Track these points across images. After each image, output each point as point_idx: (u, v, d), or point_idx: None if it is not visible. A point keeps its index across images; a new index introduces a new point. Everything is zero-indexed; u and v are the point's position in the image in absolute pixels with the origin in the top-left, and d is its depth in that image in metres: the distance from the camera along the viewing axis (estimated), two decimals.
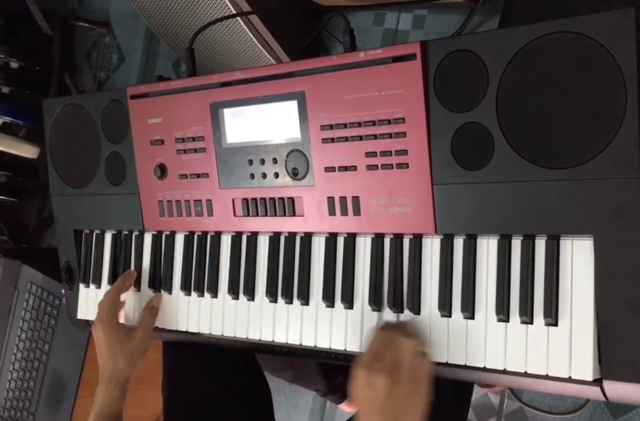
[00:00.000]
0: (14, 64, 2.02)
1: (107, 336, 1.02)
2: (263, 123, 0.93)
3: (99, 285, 1.16)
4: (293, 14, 1.48)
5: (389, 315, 0.85)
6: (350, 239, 0.89)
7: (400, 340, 0.77)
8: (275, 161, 0.93)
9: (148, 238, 1.10)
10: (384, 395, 0.74)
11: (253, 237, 0.98)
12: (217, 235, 1.02)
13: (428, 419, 0.90)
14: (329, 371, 1.43)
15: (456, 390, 0.91)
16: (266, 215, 0.95)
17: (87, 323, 1.20)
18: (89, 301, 1.18)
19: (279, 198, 0.93)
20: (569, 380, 0.73)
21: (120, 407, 1.01)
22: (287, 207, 0.92)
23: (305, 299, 0.92)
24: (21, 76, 2.06)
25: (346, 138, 0.85)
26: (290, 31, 1.46)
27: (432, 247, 0.83)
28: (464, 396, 0.94)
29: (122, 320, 1.09)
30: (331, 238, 0.90)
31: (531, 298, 0.75)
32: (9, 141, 2.06)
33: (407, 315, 0.84)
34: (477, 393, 1.41)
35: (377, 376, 0.74)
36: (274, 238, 0.96)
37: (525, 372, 0.75)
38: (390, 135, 0.82)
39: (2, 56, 1.99)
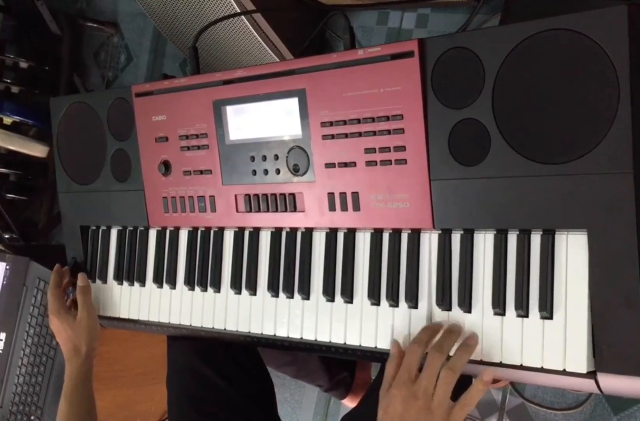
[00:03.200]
0: (23, 64, 2.04)
1: (60, 323, 1.14)
2: (265, 121, 0.94)
3: (104, 281, 1.18)
4: (297, 12, 1.50)
5: (385, 308, 0.86)
6: (350, 234, 0.90)
7: (443, 372, 0.76)
8: (276, 157, 0.94)
9: (153, 234, 1.12)
10: (414, 418, 0.74)
11: (255, 232, 0.99)
12: (220, 231, 1.03)
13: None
14: (332, 366, 1.44)
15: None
16: (268, 210, 0.96)
17: None
18: (95, 296, 1.19)
19: (281, 194, 0.94)
20: (564, 372, 0.74)
21: (89, 376, 1.13)
22: (288, 202, 0.94)
23: (306, 293, 0.93)
24: (31, 76, 2.08)
25: (346, 135, 0.87)
26: (295, 30, 1.47)
27: (430, 242, 0.84)
28: (462, 390, 0.95)
29: (124, 315, 1.14)
30: (331, 234, 0.92)
31: (527, 292, 0.76)
32: (19, 140, 2.08)
33: (402, 308, 0.85)
34: None
35: (414, 399, 0.75)
36: (276, 233, 0.97)
37: (521, 365, 0.76)
38: (388, 132, 0.83)
39: (11, 56, 2.01)
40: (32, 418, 1.48)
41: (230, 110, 0.97)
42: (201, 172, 1.02)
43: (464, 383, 0.96)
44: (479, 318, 0.80)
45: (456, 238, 0.82)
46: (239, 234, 1.01)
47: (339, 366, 1.46)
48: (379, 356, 0.88)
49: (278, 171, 0.94)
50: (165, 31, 1.64)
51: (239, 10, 1.33)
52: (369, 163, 0.85)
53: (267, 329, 0.97)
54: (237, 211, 0.99)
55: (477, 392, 0.76)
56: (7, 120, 2.06)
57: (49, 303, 1.16)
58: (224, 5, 1.36)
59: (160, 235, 1.10)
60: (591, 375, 0.72)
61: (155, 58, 2.07)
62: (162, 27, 1.62)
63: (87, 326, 1.13)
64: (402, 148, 0.83)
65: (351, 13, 1.55)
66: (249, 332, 0.99)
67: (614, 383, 0.71)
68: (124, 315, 1.15)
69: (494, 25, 1.34)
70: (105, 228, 1.18)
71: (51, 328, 1.17)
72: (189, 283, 1.06)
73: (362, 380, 1.51)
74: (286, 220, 0.95)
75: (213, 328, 1.03)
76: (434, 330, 0.80)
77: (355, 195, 0.87)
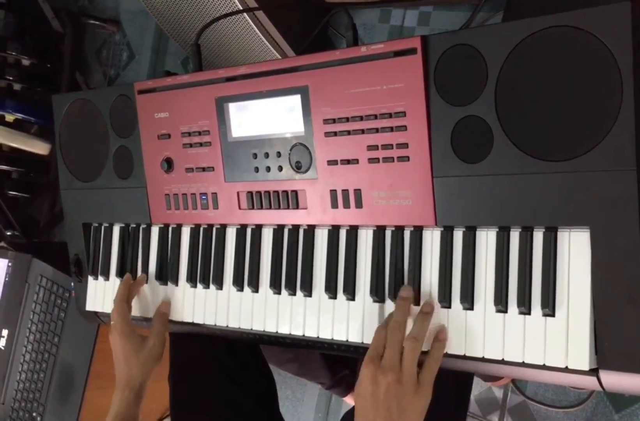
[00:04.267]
0: (25, 61, 2.04)
1: (122, 344, 1.04)
2: (267, 118, 0.94)
3: (107, 278, 1.18)
4: (299, 10, 1.49)
5: (390, 306, 0.87)
6: (353, 231, 0.90)
7: (406, 343, 0.78)
8: (279, 154, 0.94)
9: (155, 231, 1.12)
10: (386, 392, 0.76)
11: (257, 229, 0.99)
12: (223, 228, 1.03)
13: (428, 411, 0.92)
14: (333, 364, 1.44)
15: (456, 380, 0.92)
16: (270, 208, 0.96)
17: (96, 315, 1.22)
18: (97, 293, 1.20)
19: (283, 191, 0.94)
20: (566, 370, 0.74)
21: (136, 412, 1.04)
22: (290, 199, 0.94)
23: (308, 291, 0.93)
24: (32, 73, 2.08)
25: (348, 132, 0.87)
26: (297, 27, 1.47)
27: (432, 239, 0.84)
28: (464, 387, 0.95)
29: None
30: (334, 231, 0.92)
31: (529, 289, 0.76)
32: (20, 137, 2.08)
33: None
34: (481, 387, 1.42)
35: (382, 374, 0.77)
36: (278, 230, 0.97)
37: (523, 362, 0.76)
38: (391, 129, 0.83)
39: (13, 53, 2.01)
40: (34, 414, 1.49)
41: (233, 107, 0.97)
42: (203, 169, 1.02)
43: (465, 381, 0.97)
44: (481, 316, 0.80)
45: (458, 235, 0.82)
46: (241, 231, 1.01)
47: (340, 364, 1.46)
48: None
49: (280, 168, 0.94)
50: (167, 29, 1.64)
51: (241, 8, 1.33)
52: (372, 160, 0.85)
53: (269, 326, 0.97)
54: (240, 208, 0.99)
55: (437, 351, 0.79)
56: (9, 118, 2.06)
57: (113, 319, 1.06)
58: (226, 3, 1.36)
59: (163, 232, 1.10)
60: (593, 372, 0.72)
61: (157, 56, 2.07)
62: (164, 24, 1.62)
63: (153, 357, 1.04)
64: (404, 145, 0.82)
65: (353, 11, 1.55)
66: (251, 329, 0.99)
67: (616, 381, 0.71)
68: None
69: (496, 22, 1.34)
70: (107, 225, 1.18)
71: (113, 349, 1.06)
72: (191, 280, 1.06)
73: None
74: (288, 217, 0.95)
75: (215, 325, 1.03)
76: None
77: (357, 192, 0.87)
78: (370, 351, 0.80)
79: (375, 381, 0.77)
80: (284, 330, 0.96)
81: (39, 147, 2.08)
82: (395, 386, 0.76)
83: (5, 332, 1.57)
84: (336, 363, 1.45)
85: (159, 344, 1.05)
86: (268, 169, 0.95)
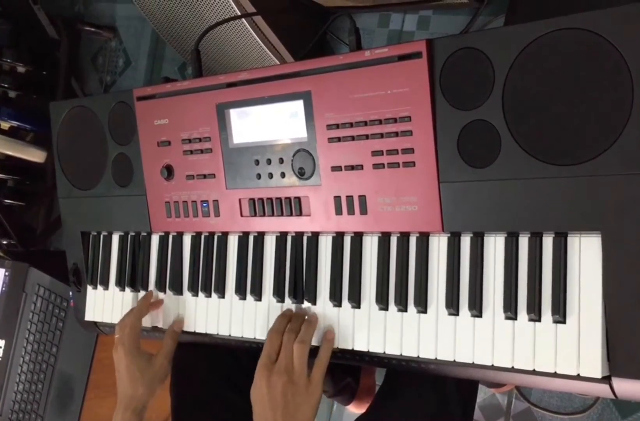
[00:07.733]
0: (20, 69, 2.02)
1: (128, 362, 1.00)
2: (269, 124, 0.93)
3: (106, 287, 1.17)
4: (298, 15, 1.48)
5: (393, 313, 0.85)
6: (357, 238, 0.89)
7: (294, 346, 0.86)
8: (281, 161, 0.93)
9: (155, 240, 1.10)
10: (281, 393, 0.84)
11: (260, 237, 0.98)
12: (224, 236, 1.02)
13: (434, 419, 0.90)
14: (336, 372, 1.43)
15: (461, 388, 0.91)
16: (273, 215, 0.95)
17: (95, 325, 1.20)
18: (96, 302, 1.18)
19: (286, 198, 0.93)
20: (578, 377, 0.72)
21: None
22: (293, 206, 0.93)
23: (312, 299, 0.92)
24: (28, 80, 2.07)
25: (352, 138, 0.86)
26: (296, 33, 1.46)
27: (439, 246, 0.83)
28: (469, 395, 0.94)
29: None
30: (338, 238, 0.90)
31: (539, 295, 0.75)
32: (16, 145, 2.06)
33: (411, 313, 0.84)
34: (485, 393, 1.41)
35: (275, 377, 0.85)
36: (281, 238, 0.96)
37: (534, 370, 0.75)
38: (396, 134, 0.82)
39: (8, 60, 1.99)
40: None
41: (234, 113, 0.96)
42: (204, 176, 1.00)
43: (470, 388, 0.95)
44: (490, 323, 0.78)
45: (466, 241, 0.81)
46: (243, 239, 0.99)
47: (343, 372, 1.45)
48: (387, 361, 0.87)
49: (283, 175, 0.93)
50: (165, 35, 1.62)
51: (239, 13, 1.32)
52: (376, 166, 0.84)
53: None
54: (242, 215, 0.98)
55: (325, 352, 0.88)
56: (5, 125, 2.04)
57: (123, 334, 1.02)
58: (224, 8, 1.35)
59: (163, 241, 1.09)
60: (606, 380, 0.71)
61: (154, 62, 2.06)
62: (161, 30, 1.61)
63: (159, 378, 1.01)
64: (410, 150, 0.81)
65: (351, 15, 1.54)
66: (254, 338, 0.98)
67: (629, 388, 0.70)
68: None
69: (496, 26, 1.34)
70: (106, 233, 1.17)
71: (116, 366, 1.01)
72: (193, 289, 1.04)
73: (366, 386, 1.49)
74: (292, 224, 0.93)
75: (218, 334, 1.01)
76: (288, 316, 0.91)
77: (362, 198, 0.86)
78: (263, 357, 0.87)
79: (270, 385, 0.85)
80: None
81: (35, 155, 2.07)
82: (289, 386, 0.84)
83: (2, 342, 1.55)
84: (338, 371, 1.44)
85: (166, 364, 1.02)
86: (270, 176, 0.94)
